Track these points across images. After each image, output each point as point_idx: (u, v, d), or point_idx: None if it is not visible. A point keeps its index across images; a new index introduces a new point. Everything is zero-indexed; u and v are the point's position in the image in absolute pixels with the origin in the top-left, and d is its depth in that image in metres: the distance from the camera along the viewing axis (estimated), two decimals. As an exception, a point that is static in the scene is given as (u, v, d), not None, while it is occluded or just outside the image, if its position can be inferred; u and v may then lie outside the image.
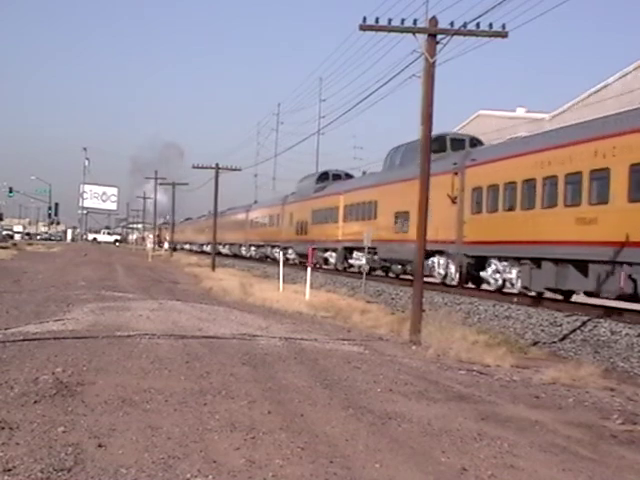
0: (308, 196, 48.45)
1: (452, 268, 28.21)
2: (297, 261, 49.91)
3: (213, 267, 43.63)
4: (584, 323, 18.15)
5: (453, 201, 27.45)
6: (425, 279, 28.75)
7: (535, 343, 16.17)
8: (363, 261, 35.54)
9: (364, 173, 44.90)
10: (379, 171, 37.88)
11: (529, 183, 22.81)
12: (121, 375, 8.89)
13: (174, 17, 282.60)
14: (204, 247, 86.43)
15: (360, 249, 35.50)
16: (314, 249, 45.18)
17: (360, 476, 5.74)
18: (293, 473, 5.68)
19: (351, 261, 39.80)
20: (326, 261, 44.24)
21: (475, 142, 30.89)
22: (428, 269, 28.36)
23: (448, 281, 28.76)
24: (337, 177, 47.73)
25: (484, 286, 27.16)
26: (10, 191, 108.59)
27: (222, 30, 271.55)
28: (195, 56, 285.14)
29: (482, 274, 26.30)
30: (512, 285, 24.41)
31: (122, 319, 14.65)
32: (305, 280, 25.22)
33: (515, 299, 23.02)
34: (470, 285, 27.91)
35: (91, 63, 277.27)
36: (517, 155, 24.06)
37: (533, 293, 23.53)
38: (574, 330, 17.66)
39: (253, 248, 66.05)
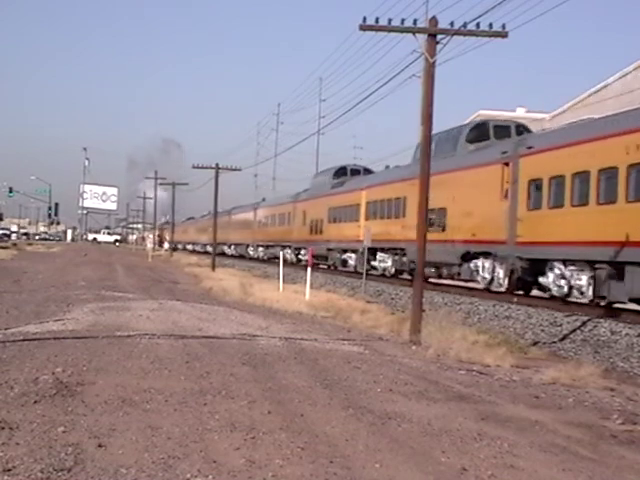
0: (324, 193, 45.19)
1: (500, 272, 24.79)
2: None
3: (213, 267, 43.63)
4: (584, 323, 18.15)
5: (503, 196, 24.26)
6: (465, 284, 27.55)
7: (535, 343, 16.17)
8: (389, 263, 33.76)
9: (387, 167, 41.97)
10: (407, 164, 33.83)
11: (609, 172, 19.35)
12: (121, 375, 8.89)
13: (174, 17, 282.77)
14: (208, 247, 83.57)
15: (386, 250, 33.81)
16: (324, 251, 43.90)
17: (360, 476, 5.74)
18: (293, 473, 5.68)
19: (374, 263, 35.90)
20: (344, 263, 40.94)
21: (522, 129, 27.70)
22: (469, 273, 26.49)
23: (494, 287, 25.25)
24: (356, 172, 44.16)
25: (532, 291, 24.29)
26: (10, 191, 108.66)
27: (222, 30, 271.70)
28: (195, 56, 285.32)
29: (542, 280, 22.85)
30: (581, 294, 20.95)
31: (122, 319, 14.65)
32: (305, 280, 25.21)
33: (515, 299, 22.92)
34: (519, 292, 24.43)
35: (91, 63, 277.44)
36: (594, 139, 20.24)
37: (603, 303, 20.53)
38: (574, 330, 17.65)
39: (261, 249, 63.36)
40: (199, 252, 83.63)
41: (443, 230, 27.45)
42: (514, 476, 6.04)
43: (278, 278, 27.33)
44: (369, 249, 34.24)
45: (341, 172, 45.12)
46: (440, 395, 9.07)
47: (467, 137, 28.48)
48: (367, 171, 44.16)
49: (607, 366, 13.33)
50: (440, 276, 29.44)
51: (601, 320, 18.21)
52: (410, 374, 10.46)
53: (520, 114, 55.01)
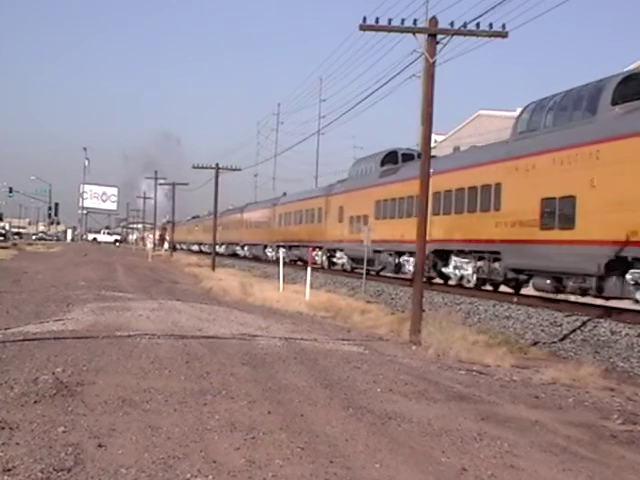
0: (369, 183, 37.19)
1: None
2: (348, 267, 40.17)
3: (213, 267, 43.66)
4: (584, 323, 18.15)
5: None
6: (611, 303, 19.69)
7: (535, 343, 16.18)
8: (468, 270, 26.59)
9: (457, 149, 35.58)
10: (501, 140, 27.13)
11: None
12: (121, 375, 8.89)
13: (174, 18, 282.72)
14: (216, 248, 77.84)
15: (465, 253, 26.68)
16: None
17: (360, 476, 5.74)
18: (293, 473, 5.68)
19: (447, 269, 28.60)
20: (399, 268, 33.04)
21: None
22: (623, 289, 18.78)
23: None
24: (409, 157, 36.32)
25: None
26: (10, 191, 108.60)
27: (222, 30, 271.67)
28: (195, 56, 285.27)
29: None
30: None
31: (122, 319, 14.65)
32: (305, 280, 25.22)
33: (515, 299, 22.91)
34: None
35: (91, 64, 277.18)
36: None
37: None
38: (574, 330, 17.65)
39: (283, 250, 50.57)
40: (207, 253, 69.45)
41: (569, 227, 20.49)
42: (514, 476, 6.04)
43: (278, 278, 27.34)
44: (438, 251, 28.15)
45: (390, 158, 36.98)
46: (440, 395, 9.07)
47: (615, 94, 20.04)
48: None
49: (607, 366, 13.33)
50: (558, 290, 22.01)
51: (601, 320, 18.21)
52: (410, 374, 10.46)
53: (520, 114, 54.92)
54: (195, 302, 20.21)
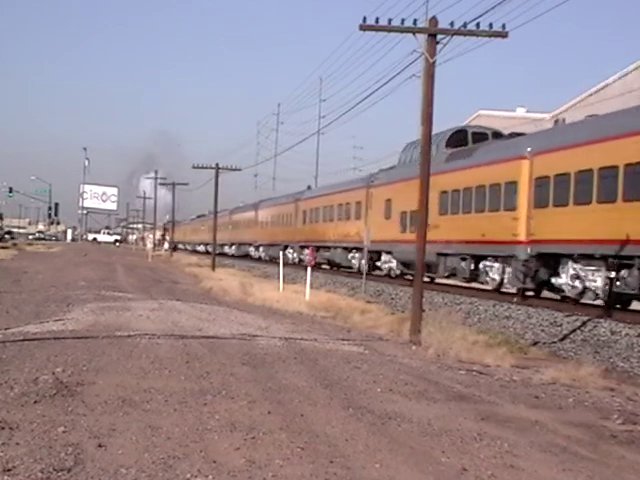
0: (431, 171, 26.69)
1: None
2: (397, 272, 34.06)
3: (213, 267, 43.67)
4: (584, 323, 18.15)
5: None
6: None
7: (535, 343, 16.19)
8: (597, 282, 20.03)
9: (557, 122, 29.35)
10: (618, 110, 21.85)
11: None
12: (121, 375, 8.89)
13: (174, 18, 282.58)
14: (226, 248, 73.52)
15: (593, 258, 20.29)
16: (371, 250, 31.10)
17: (360, 476, 5.74)
18: (293, 473, 5.68)
19: (557, 280, 22.17)
20: (476, 276, 26.85)
21: None
22: None
23: None
24: (481, 137, 29.60)
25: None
26: (10, 191, 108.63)
27: (222, 30, 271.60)
28: (195, 56, 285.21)
29: None
30: None
31: (122, 319, 14.65)
32: (305, 280, 25.22)
33: (515, 299, 22.88)
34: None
35: (91, 64, 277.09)
36: None
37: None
38: (574, 330, 17.66)
39: (306, 251, 40.55)
40: (218, 255, 57.00)
41: None
42: (514, 476, 6.04)
43: (278, 278, 27.34)
44: (541, 255, 22.42)
45: (457, 138, 30.34)
46: (440, 395, 9.07)
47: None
48: (497, 135, 29.78)
49: (607, 366, 13.33)
50: None
51: (601, 320, 18.21)
52: (410, 374, 10.46)
53: (520, 114, 55.07)
54: (195, 302, 20.21)
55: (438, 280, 29.65)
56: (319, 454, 6.16)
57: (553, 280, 22.34)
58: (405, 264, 32.37)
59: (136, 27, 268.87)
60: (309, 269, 25.81)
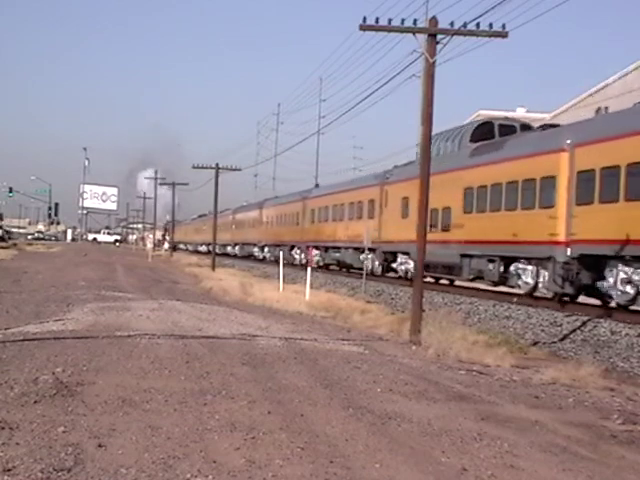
0: (454, 165, 27.58)
1: None
2: (413, 274, 29.21)
3: (213, 267, 43.68)
4: (584, 323, 18.15)
5: None
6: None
7: (535, 343, 16.19)
8: None
9: (599, 110, 27.49)
10: None
11: None
12: (121, 375, 8.89)
13: (174, 18, 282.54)
14: (229, 249, 72.63)
15: None
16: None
17: (360, 476, 5.74)
18: (293, 473, 5.68)
19: (604, 284, 19.89)
20: (504, 279, 24.62)
21: None
22: None
23: None
24: (509, 129, 27.36)
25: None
26: (10, 191, 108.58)
27: (222, 30, 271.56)
28: (195, 56, 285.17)
29: None
30: None
31: (122, 319, 14.65)
32: (305, 280, 25.22)
33: (515, 299, 22.84)
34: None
35: (91, 64, 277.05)
36: None
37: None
38: (574, 330, 17.66)
39: (316, 252, 42.82)
40: (218, 254, 54.10)
41: None
42: (514, 476, 6.04)
43: (278, 278, 27.34)
44: (587, 258, 20.15)
45: (483, 131, 28.11)
46: (440, 395, 9.07)
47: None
48: (526, 127, 27.75)
49: (607, 366, 13.33)
50: None
51: (601, 320, 18.21)
52: (410, 374, 10.46)
53: (520, 114, 55.07)
54: (195, 302, 20.21)
55: (459, 283, 27.28)
56: (319, 454, 6.16)
57: (599, 284, 20.04)
58: (424, 266, 29.70)
59: (136, 27, 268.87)
60: (309, 269, 25.81)
